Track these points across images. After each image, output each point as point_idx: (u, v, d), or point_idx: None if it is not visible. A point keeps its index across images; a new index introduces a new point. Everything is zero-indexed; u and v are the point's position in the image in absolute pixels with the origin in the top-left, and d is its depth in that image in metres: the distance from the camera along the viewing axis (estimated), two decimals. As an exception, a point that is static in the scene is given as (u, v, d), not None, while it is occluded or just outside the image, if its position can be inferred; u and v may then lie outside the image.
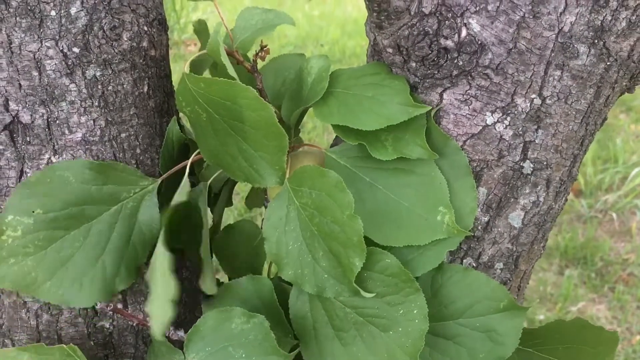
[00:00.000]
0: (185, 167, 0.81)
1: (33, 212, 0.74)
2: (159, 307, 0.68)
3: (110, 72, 0.78)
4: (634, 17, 0.72)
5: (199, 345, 0.75)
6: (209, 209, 0.93)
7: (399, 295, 0.73)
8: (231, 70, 0.73)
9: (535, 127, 0.76)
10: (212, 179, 0.86)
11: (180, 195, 0.76)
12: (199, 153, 0.80)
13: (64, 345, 0.77)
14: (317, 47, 4.60)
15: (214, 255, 0.93)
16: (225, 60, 0.74)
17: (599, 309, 2.50)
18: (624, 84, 0.78)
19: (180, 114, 0.84)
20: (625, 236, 2.86)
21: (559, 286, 2.59)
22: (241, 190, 2.70)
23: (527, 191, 0.78)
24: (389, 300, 0.73)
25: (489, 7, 0.72)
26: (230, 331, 0.73)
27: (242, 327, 0.73)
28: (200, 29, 0.90)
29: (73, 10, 0.75)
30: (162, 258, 0.70)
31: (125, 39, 0.79)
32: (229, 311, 0.74)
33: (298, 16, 5.43)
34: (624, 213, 2.97)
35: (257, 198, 1.04)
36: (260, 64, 0.83)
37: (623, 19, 0.72)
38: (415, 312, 0.72)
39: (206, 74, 0.92)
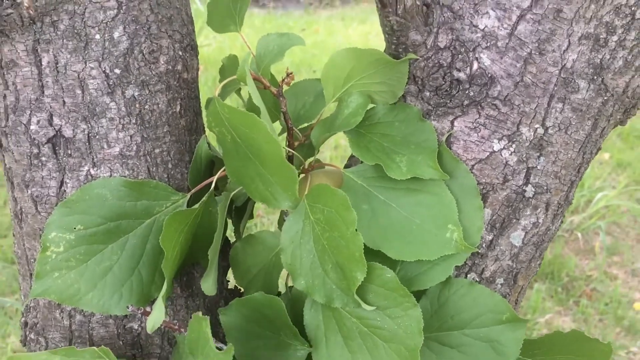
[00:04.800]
0: (212, 182, 0.81)
1: (74, 228, 0.74)
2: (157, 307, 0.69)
3: (147, 92, 0.78)
4: (630, 57, 0.73)
5: (198, 350, 0.74)
6: (229, 220, 0.93)
7: (399, 309, 0.72)
8: (257, 99, 0.73)
9: (538, 154, 0.76)
10: (234, 192, 0.86)
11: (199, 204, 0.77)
12: (224, 170, 0.79)
13: (95, 348, 0.76)
14: (310, 72, 4.62)
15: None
16: (252, 88, 0.73)
17: (565, 321, 2.51)
18: (618, 117, 0.79)
19: (207, 132, 0.83)
20: (589, 254, 2.87)
21: (529, 299, 2.60)
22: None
23: (528, 213, 0.78)
24: (390, 313, 0.72)
25: (499, 44, 0.72)
26: (203, 334, 0.72)
27: (206, 329, 0.72)
28: (230, 64, 0.90)
29: (116, 35, 0.75)
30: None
31: (162, 62, 0.79)
32: (197, 317, 0.73)
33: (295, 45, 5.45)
34: (588, 233, 2.99)
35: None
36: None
37: (620, 57, 0.73)
38: (412, 325, 0.71)
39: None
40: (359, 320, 0.74)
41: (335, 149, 3.53)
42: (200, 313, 0.73)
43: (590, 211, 3.05)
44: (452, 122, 0.76)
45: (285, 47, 0.82)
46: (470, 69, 0.74)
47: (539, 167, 0.76)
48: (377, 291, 0.73)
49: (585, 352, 0.78)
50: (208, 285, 0.81)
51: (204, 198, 0.79)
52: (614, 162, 3.58)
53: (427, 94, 0.76)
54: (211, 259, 0.81)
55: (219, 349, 0.82)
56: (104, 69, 0.75)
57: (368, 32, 6.11)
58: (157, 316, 0.73)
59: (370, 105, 0.80)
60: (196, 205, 0.77)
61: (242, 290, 0.93)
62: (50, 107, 0.75)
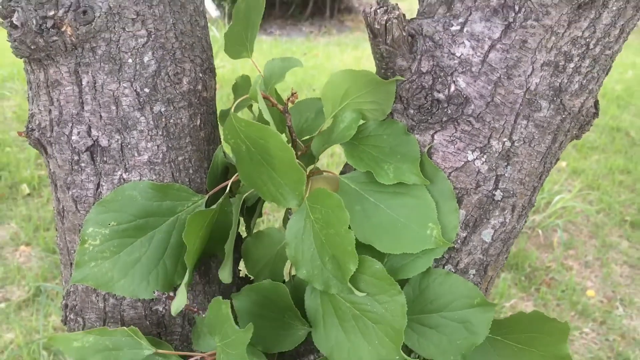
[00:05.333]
0: (227, 185, 0.81)
1: (109, 224, 0.74)
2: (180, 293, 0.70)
3: (172, 108, 0.78)
4: (584, 81, 0.73)
5: (216, 330, 0.74)
6: (241, 218, 0.93)
7: (386, 296, 0.72)
8: (266, 115, 0.73)
9: (506, 164, 0.76)
10: (246, 194, 0.86)
11: (216, 205, 0.77)
12: (237, 175, 0.79)
13: (125, 328, 0.76)
14: (310, 90, 4.61)
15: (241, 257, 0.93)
16: (262, 106, 0.73)
17: (527, 306, 2.51)
18: (574, 132, 0.79)
19: (223, 142, 0.83)
20: (548, 249, 2.87)
21: (496, 286, 2.60)
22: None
23: (497, 214, 0.78)
24: (378, 299, 0.72)
25: (473, 69, 0.72)
26: (223, 315, 0.72)
27: (226, 311, 0.72)
28: (242, 83, 0.90)
29: (146, 59, 0.75)
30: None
31: (185, 83, 0.79)
32: (218, 300, 0.73)
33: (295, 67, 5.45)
34: (547, 230, 2.99)
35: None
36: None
37: (576, 82, 0.73)
38: (398, 309, 0.71)
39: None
40: (352, 304, 0.74)
41: (331, 157, 3.53)
42: (220, 298, 0.73)
43: (549, 211, 3.05)
44: (432, 136, 0.76)
45: (287, 69, 0.82)
46: (449, 91, 0.73)
47: (506, 175, 0.76)
48: (367, 280, 0.72)
49: (544, 330, 0.78)
50: (224, 274, 0.81)
51: (220, 200, 0.78)
52: (570, 169, 3.58)
53: (412, 111, 0.76)
54: (227, 252, 0.81)
55: (232, 328, 0.82)
56: (135, 88, 0.75)
57: (360, 57, 6.11)
58: (180, 301, 0.73)
59: (363, 121, 0.81)
60: (214, 206, 0.77)
61: (252, 278, 0.93)
62: (89, 121, 0.75)
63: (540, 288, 2.60)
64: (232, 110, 0.75)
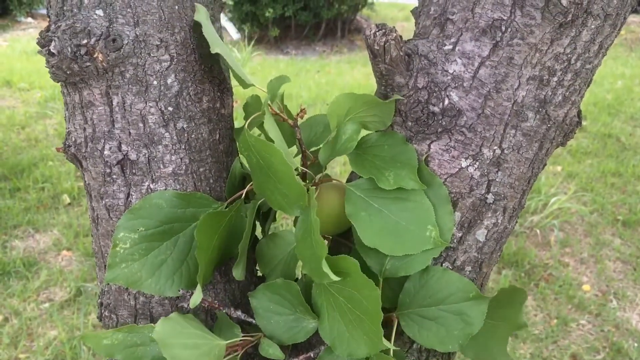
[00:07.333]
0: (243, 193, 0.82)
1: (138, 230, 0.75)
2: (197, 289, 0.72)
3: (193, 124, 0.79)
4: (567, 93, 0.74)
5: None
6: (257, 222, 0.94)
7: (366, 290, 0.71)
8: (272, 133, 0.73)
9: (496, 169, 0.76)
10: (260, 201, 0.86)
11: (229, 208, 0.78)
12: (252, 184, 0.80)
13: (153, 324, 0.77)
14: (324, 105, 4.63)
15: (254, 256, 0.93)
16: (271, 122, 0.74)
17: (527, 300, 2.49)
18: (559, 140, 0.79)
19: (240, 155, 0.84)
20: (546, 247, 2.85)
21: (498, 282, 2.59)
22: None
23: (490, 215, 0.79)
24: (362, 293, 0.71)
25: (465, 84, 0.73)
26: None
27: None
28: (253, 102, 0.91)
29: (169, 81, 0.76)
30: None
31: (205, 101, 0.80)
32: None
33: (310, 83, 5.47)
34: (545, 230, 2.97)
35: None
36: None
37: (560, 94, 0.73)
38: (375, 305, 0.70)
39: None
40: (346, 299, 0.74)
41: (344, 165, 3.54)
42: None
43: (546, 212, 3.03)
44: (429, 145, 0.77)
45: (280, 85, 0.82)
46: (443, 104, 0.74)
47: (497, 180, 0.77)
48: (351, 276, 0.72)
49: (507, 303, 0.80)
50: (238, 272, 0.82)
51: (233, 205, 0.80)
52: (565, 173, 3.56)
53: (410, 123, 0.77)
54: (241, 252, 0.81)
55: (249, 323, 0.83)
56: (160, 107, 0.76)
57: (369, 73, 6.12)
58: (197, 296, 0.74)
59: (366, 132, 0.81)
60: (226, 209, 0.78)
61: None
62: (119, 137, 0.76)
63: (539, 283, 2.58)
64: (246, 126, 0.77)
